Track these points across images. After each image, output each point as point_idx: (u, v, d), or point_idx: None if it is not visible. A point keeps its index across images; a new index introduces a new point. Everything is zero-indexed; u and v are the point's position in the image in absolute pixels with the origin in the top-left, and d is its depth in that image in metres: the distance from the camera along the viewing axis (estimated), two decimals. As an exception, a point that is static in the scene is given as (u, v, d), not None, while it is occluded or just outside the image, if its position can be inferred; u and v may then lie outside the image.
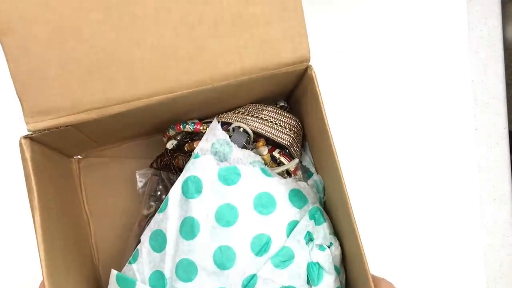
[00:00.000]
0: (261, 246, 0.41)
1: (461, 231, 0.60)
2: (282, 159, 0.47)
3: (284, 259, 0.41)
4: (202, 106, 0.45)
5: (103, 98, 0.37)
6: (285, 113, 0.48)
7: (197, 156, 0.44)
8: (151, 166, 0.51)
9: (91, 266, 0.49)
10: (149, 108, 0.39)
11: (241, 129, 0.46)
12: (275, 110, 0.48)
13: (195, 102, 0.42)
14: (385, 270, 0.57)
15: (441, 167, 0.61)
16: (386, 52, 0.62)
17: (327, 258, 0.42)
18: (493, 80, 0.63)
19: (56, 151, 0.45)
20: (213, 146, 0.44)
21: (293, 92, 0.49)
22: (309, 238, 0.42)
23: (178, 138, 0.49)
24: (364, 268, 0.37)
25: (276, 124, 0.47)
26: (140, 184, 0.52)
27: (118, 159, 0.53)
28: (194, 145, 0.46)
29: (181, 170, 0.45)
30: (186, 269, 0.41)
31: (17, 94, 0.36)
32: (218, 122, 0.45)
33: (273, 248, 0.42)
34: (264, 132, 0.47)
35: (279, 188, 0.43)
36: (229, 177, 0.43)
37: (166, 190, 0.50)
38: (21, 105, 0.37)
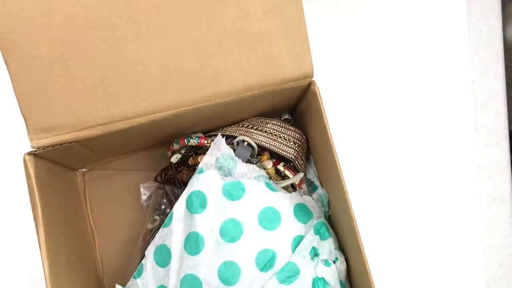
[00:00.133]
0: (266, 262, 0.41)
1: (461, 231, 0.60)
2: (287, 172, 0.47)
3: (290, 274, 0.41)
4: (205, 120, 0.45)
5: (106, 115, 0.38)
6: (289, 126, 0.48)
7: (201, 171, 0.44)
8: (155, 179, 0.51)
9: (95, 280, 0.49)
10: (152, 124, 0.39)
11: (246, 143, 0.46)
12: (279, 123, 0.48)
13: (199, 117, 0.42)
14: (385, 270, 0.58)
15: (441, 167, 0.61)
16: (386, 52, 0.61)
17: (332, 273, 0.42)
18: (493, 80, 0.63)
19: (60, 165, 0.45)
20: (218, 161, 0.44)
21: (297, 106, 0.49)
22: (315, 253, 0.42)
23: (183, 152, 0.49)
24: (369, 286, 0.37)
25: (280, 137, 0.47)
26: (144, 197, 0.52)
27: (122, 172, 0.53)
28: (199, 159, 0.46)
29: (185, 184, 0.45)
30: (191, 285, 0.41)
31: (21, 111, 0.37)
32: (222, 135, 0.45)
33: (278, 264, 0.41)
34: (268, 145, 0.47)
35: (284, 202, 0.43)
36: (233, 192, 0.43)
37: (171, 204, 0.50)
38: (25, 122, 0.37)
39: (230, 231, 0.42)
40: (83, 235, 0.48)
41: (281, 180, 0.47)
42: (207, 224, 0.42)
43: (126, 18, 0.36)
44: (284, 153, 0.47)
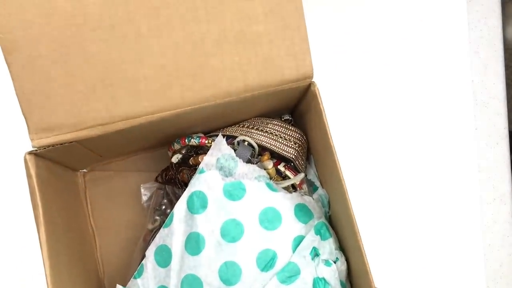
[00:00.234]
0: (266, 262, 0.41)
1: (461, 231, 0.60)
2: (288, 172, 0.47)
3: (290, 274, 0.41)
4: (206, 121, 0.45)
5: (107, 115, 0.38)
6: (290, 126, 0.48)
7: (202, 171, 0.44)
8: (156, 180, 0.51)
9: (96, 281, 0.49)
10: (152, 124, 0.39)
11: (246, 143, 0.46)
12: (279, 124, 0.48)
13: (199, 118, 0.42)
14: (385, 270, 0.58)
15: (441, 167, 0.61)
16: (386, 52, 0.62)
17: (333, 273, 0.42)
18: (493, 80, 0.63)
19: (61, 165, 0.45)
20: (218, 161, 0.44)
21: (297, 107, 0.49)
22: (315, 253, 0.42)
23: (183, 152, 0.49)
24: (370, 285, 0.37)
25: (281, 137, 0.47)
26: (144, 198, 0.52)
27: (123, 172, 0.53)
28: (199, 159, 0.46)
29: (186, 184, 0.45)
30: (192, 285, 0.41)
31: (22, 111, 0.37)
32: (223, 136, 0.45)
33: (279, 264, 0.41)
34: (269, 145, 0.47)
35: (284, 203, 0.43)
36: (234, 193, 0.43)
37: (171, 204, 0.50)
38: (26, 121, 0.37)
39: (231, 231, 0.42)
40: (83, 236, 0.48)
41: (281, 180, 0.47)
42: (208, 224, 0.42)
43: (126, 18, 0.36)
44: (285, 153, 0.47)
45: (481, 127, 0.63)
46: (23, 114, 0.37)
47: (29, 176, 0.36)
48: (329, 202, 0.48)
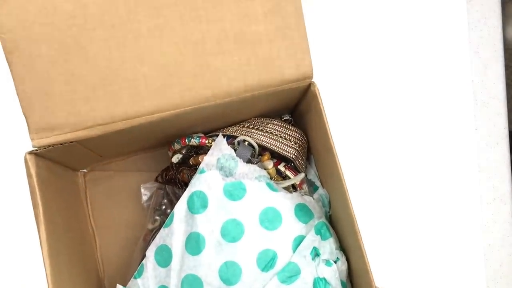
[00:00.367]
0: (267, 262, 0.41)
1: (461, 231, 0.60)
2: (288, 172, 0.47)
3: (290, 274, 0.41)
4: (206, 121, 0.45)
5: (107, 115, 0.38)
6: (290, 126, 0.48)
7: (202, 171, 0.44)
8: (156, 180, 0.51)
9: (96, 280, 0.49)
10: (152, 124, 0.39)
11: (246, 143, 0.46)
12: (279, 124, 0.48)
13: (199, 118, 0.42)
14: (385, 270, 0.58)
15: (441, 167, 0.61)
16: (386, 52, 0.62)
17: (333, 273, 0.42)
18: (493, 80, 0.63)
19: (61, 165, 0.45)
20: (219, 161, 0.44)
21: (297, 107, 0.49)
22: (315, 253, 0.42)
23: (184, 152, 0.49)
24: (370, 284, 0.37)
25: (281, 137, 0.47)
26: (145, 198, 0.52)
27: (123, 172, 0.53)
28: (200, 159, 0.46)
29: (186, 184, 0.45)
30: (192, 285, 0.41)
31: (23, 110, 0.37)
32: (223, 136, 0.45)
33: (279, 264, 0.41)
34: (269, 145, 0.47)
35: (284, 203, 0.43)
36: (234, 192, 0.43)
37: (171, 204, 0.50)
38: (26, 121, 0.37)
39: (231, 231, 0.42)
40: (84, 235, 0.48)
41: (282, 180, 0.47)
42: (208, 224, 0.42)
43: (126, 18, 0.36)
44: (285, 153, 0.47)
45: (481, 127, 0.63)
46: (24, 113, 0.37)
47: (29, 175, 0.36)
48: (329, 202, 0.48)
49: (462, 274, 0.60)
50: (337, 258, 0.43)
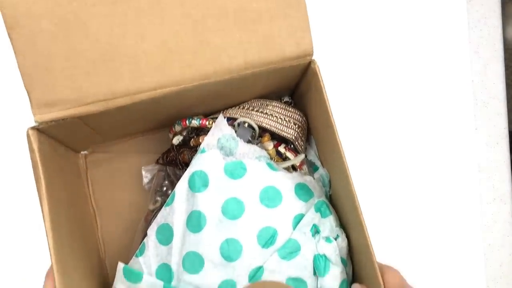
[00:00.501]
0: (267, 239, 0.42)
1: (461, 231, 0.60)
2: (288, 153, 0.47)
3: (291, 251, 0.41)
4: (206, 100, 0.45)
5: (108, 91, 0.38)
6: (290, 107, 0.49)
7: (203, 151, 0.44)
8: (157, 162, 0.51)
9: (97, 260, 0.49)
10: (153, 101, 0.39)
11: (246, 124, 0.46)
12: (279, 105, 0.49)
13: (200, 96, 0.43)
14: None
15: (441, 167, 0.61)
16: (386, 52, 0.62)
17: (333, 250, 0.42)
18: (493, 80, 0.63)
19: (62, 144, 0.45)
20: (219, 141, 0.44)
21: (297, 88, 0.49)
22: (315, 230, 0.43)
23: (184, 134, 0.49)
24: (371, 259, 0.37)
25: (280, 118, 0.48)
26: (146, 180, 0.52)
27: (124, 154, 0.53)
28: (200, 140, 0.47)
29: (187, 165, 0.45)
30: (193, 262, 0.42)
31: (25, 86, 0.37)
32: (224, 117, 0.45)
33: (280, 241, 0.42)
34: (269, 126, 0.47)
35: (285, 182, 0.44)
36: (235, 172, 0.43)
37: (172, 185, 0.50)
38: (29, 97, 0.37)
39: (232, 209, 0.42)
40: (85, 216, 0.49)
41: (282, 161, 0.48)
42: (209, 202, 0.42)
43: (127, -6, 0.37)
44: (285, 134, 0.47)
45: (481, 127, 0.63)
46: (26, 88, 0.37)
47: (31, 150, 0.36)
48: (329, 182, 0.48)
49: (462, 274, 0.60)
50: (337, 235, 0.44)
